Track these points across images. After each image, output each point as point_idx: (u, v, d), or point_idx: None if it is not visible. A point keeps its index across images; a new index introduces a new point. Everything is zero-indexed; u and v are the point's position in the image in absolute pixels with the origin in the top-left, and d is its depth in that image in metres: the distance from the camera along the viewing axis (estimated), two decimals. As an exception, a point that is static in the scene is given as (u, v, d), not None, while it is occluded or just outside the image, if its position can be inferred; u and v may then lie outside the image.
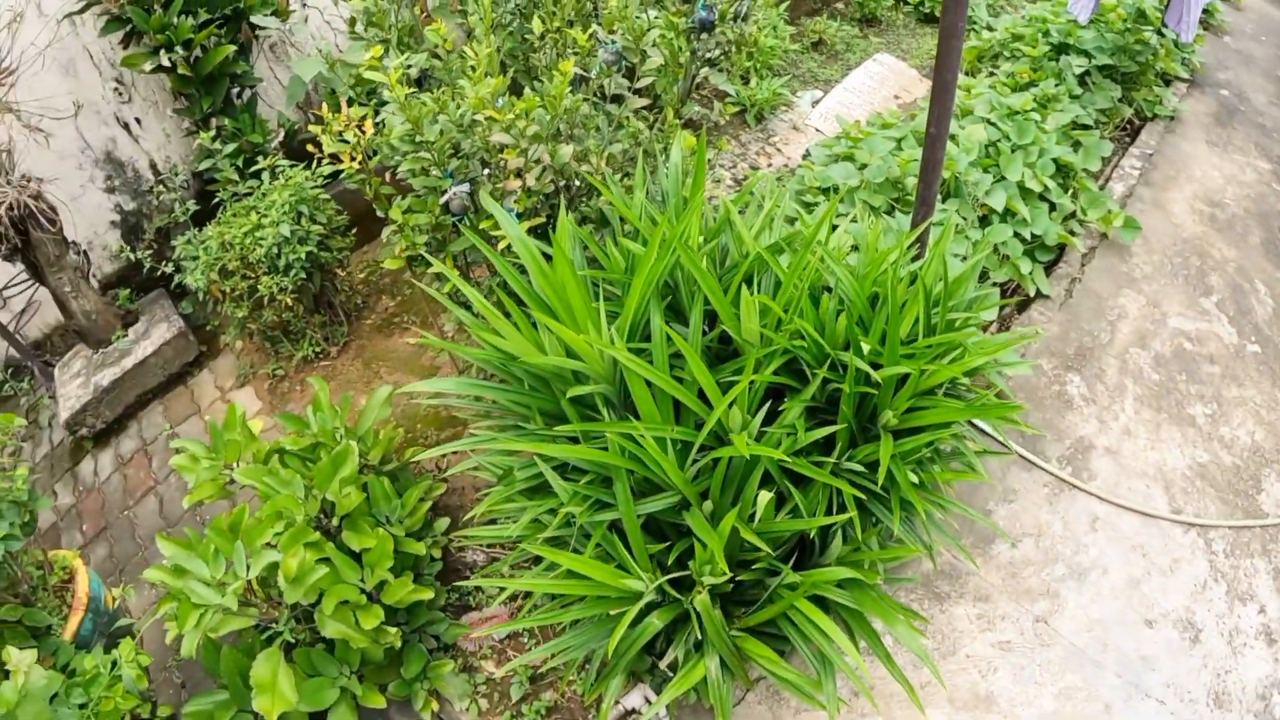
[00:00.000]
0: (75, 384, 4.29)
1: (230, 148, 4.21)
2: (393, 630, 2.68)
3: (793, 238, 2.58)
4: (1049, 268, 4.21)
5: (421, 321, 4.34)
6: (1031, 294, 3.94)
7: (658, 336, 2.30)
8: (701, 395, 2.26)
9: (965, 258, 3.54)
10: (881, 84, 5.80)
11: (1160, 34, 6.07)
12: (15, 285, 4.48)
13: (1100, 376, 3.80)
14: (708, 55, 3.19)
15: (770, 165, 5.11)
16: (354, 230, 4.21)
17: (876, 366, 2.29)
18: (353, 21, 3.39)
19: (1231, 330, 4.34)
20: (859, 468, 2.32)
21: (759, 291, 2.52)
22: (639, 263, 2.29)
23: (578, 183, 2.89)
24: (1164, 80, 6.45)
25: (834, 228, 2.89)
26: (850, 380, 2.25)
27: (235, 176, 4.15)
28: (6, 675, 2.37)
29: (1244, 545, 3.33)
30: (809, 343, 2.32)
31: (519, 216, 2.69)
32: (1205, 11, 8.60)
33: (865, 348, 2.26)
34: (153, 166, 4.79)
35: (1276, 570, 3.29)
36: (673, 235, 2.29)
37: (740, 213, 2.81)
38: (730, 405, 2.17)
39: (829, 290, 2.49)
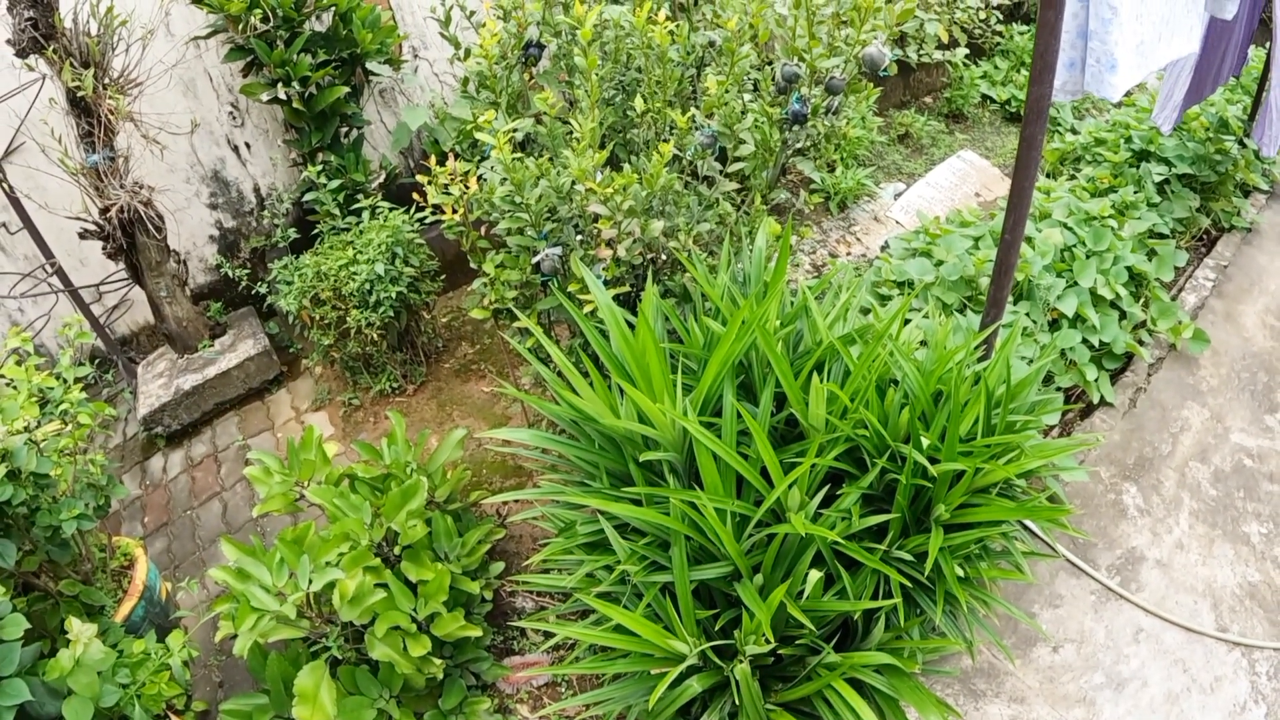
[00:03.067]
0: (157, 384, 4.53)
1: (334, 183, 4.45)
2: (438, 661, 2.78)
3: (864, 330, 2.68)
4: (1115, 375, 4.22)
5: (498, 372, 4.51)
6: (1095, 401, 3.96)
7: (728, 413, 2.41)
8: (764, 473, 2.37)
9: (1032, 361, 3.60)
10: (963, 180, 5.90)
11: (1242, 144, 6.08)
12: (113, 282, 4.77)
13: (1157, 488, 3.80)
14: (798, 146, 3.33)
15: (849, 254, 5.22)
16: (443, 276, 4.41)
17: (934, 461, 2.37)
18: (465, 81, 3.60)
19: None
20: (908, 557, 2.39)
21: (829, 379, 2.63)
22: (718, 341, 2.42)
23: (664, 257, 3.03)
24: (1243, 191, 6.43)
25: (907, 321, 2.99)
26: (908, 473, 2.34)
27: (335, 211, 4.39)
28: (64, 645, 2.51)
29: None
30: (871, 433, 2.41)
31: (605, 284, 2.84)
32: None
33: (925, 442, 2.35)
34: (256, 190, 5.08)
35: None
36: (752, 318, 2.42)
37: (817, 299, 2.92)
38: (791, 485, 2.26)
39: (895, 383, 2.58)
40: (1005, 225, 2.61)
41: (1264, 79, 5.25)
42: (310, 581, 2.61)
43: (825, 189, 5.45)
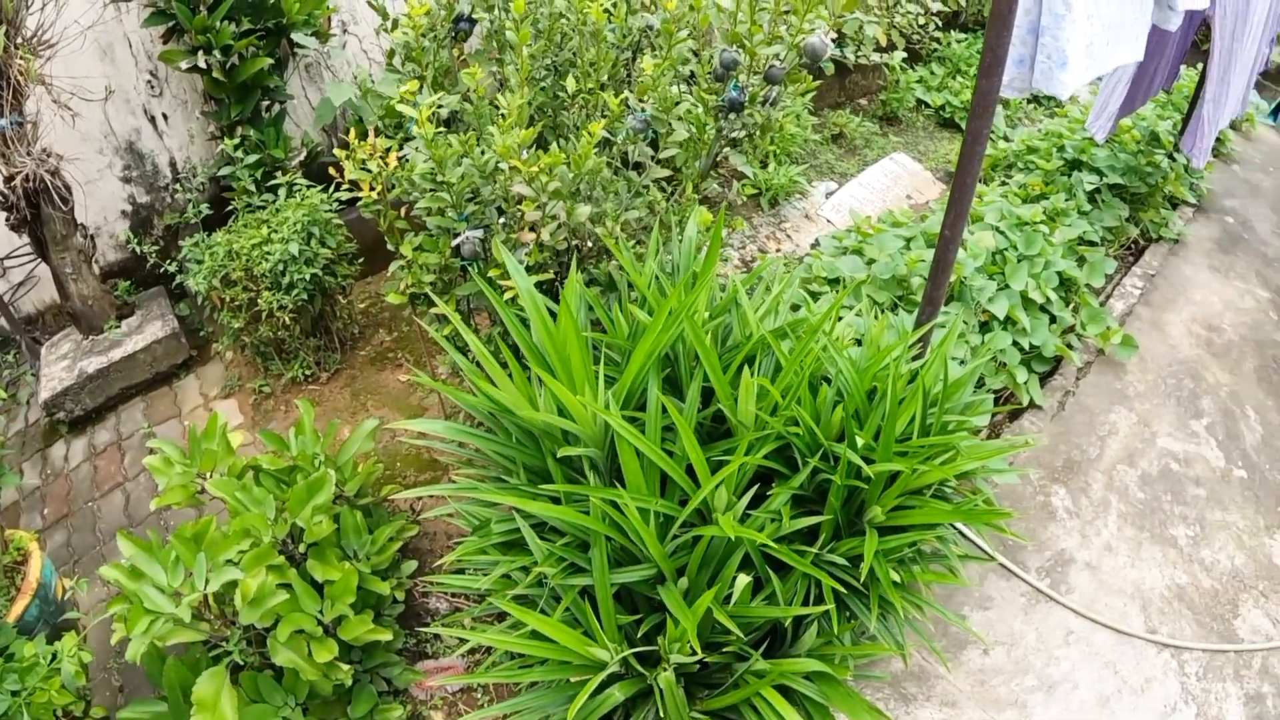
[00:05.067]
0: (60, 366, 4.25)
1: (252, 159, 4.22)
2: (345, 667, 2.62)
3: (796, 325, 2.58)
4: (1044, 379, 4.24)
5: (415, 360, 4.33)
6: (1025, 403, 3.95)
7: (653, 407, 2.29)
8: (690, 471, 2.25)
9: (964, 362, 3.56)
10: (896, 182, 5.90)
11: (1171, 158, 6.21)
12: (17, 256, 4.46)
13: (1086, 491, 3.80)
14: (733, 135, 3.23)
15: (779, 250, 5.16)
16: (361, 260, 4.21)
17: (869, 461, 2.28)
18: (391, 54, 3.43)
19: (1219, 454, 4.35)
20: (841, 560, 2.30)
21: (760, 372, 2.52)
22: (644, 331, 2.29)
23: (590, 244, 2.89)
24: (1171, 204, 6.59)
25: (839, 318, 2.91)
26: (841, 473, 2.24)
27: (252, 188, 4.17)
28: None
29: (1217, 669, 3.31)
30: (804, 430, 2.31)
31: (528, 269, 2.70)
32: (1217, 140, 8.80)
33: (860, 441, 2.26)
34: (172, 164, 4.80)
35: (1248, 696, 3.26)
36: (680, 308, 2.30)
37: (748, 292, 2.82)
38: (719, 485, 2.15)
39: (828, 380, 2.49)
40: (945, 220, 2.54)
41: (1198, 92, 5.35)
42: (207, 581, 2.43)
43: (757, 184, 5.38)
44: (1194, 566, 3.69)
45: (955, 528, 3.44)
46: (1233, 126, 10.28)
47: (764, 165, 5.42)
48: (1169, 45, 5.04)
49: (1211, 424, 4.53)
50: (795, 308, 3.41)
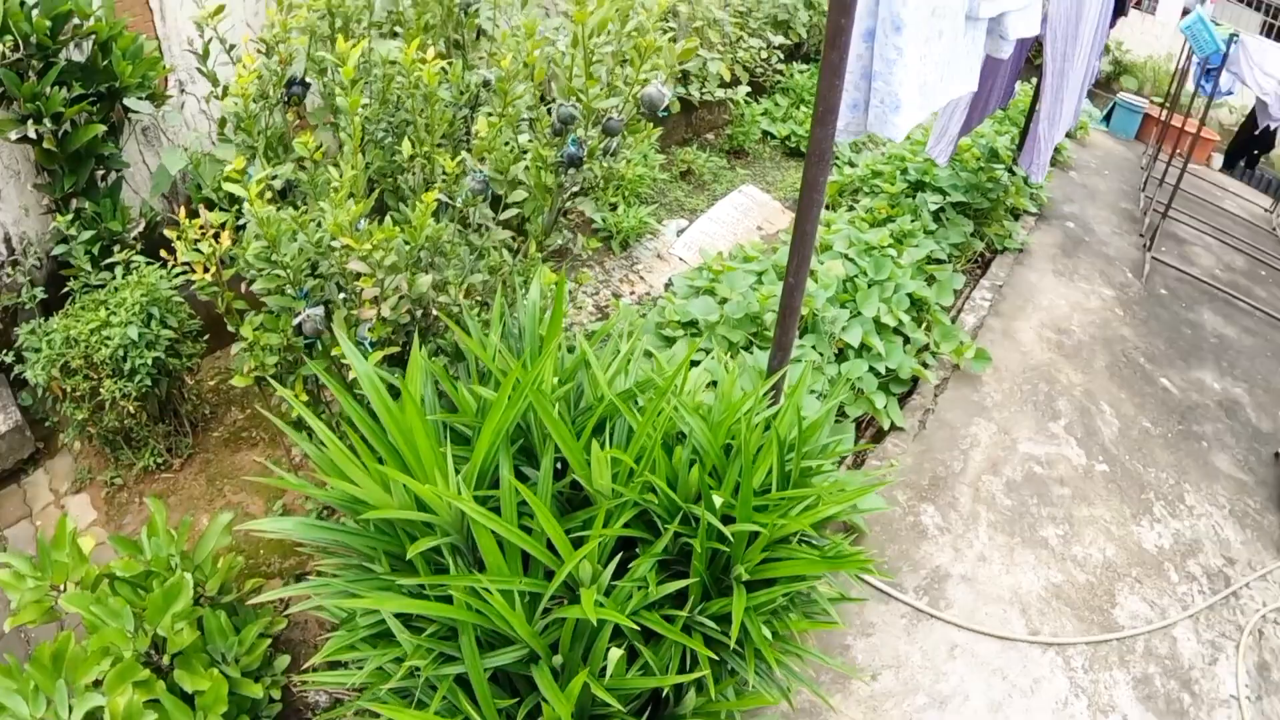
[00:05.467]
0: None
1: (87, 234, 3.98)
2: (224, 781, 2.48)
3: (646, 384, 2.58)
4: (903, 399, 4.36)
5: (271, 439, 4.14)
6: (886, 427, 4.05)
7: (506, 486, 2.25)
8: (552, 545, 2.21)
9: (822, 394, 3.64)
10: (746, 215, 6.00)
11: (1011, 171, 6.54)
12: None
13: (954, 505, 3.93)
14: (574, 189, 3.23)
15: (634, 293, 5.18)
16: (206, 335, 4.02)
17: (730, 519, 2.29)
18: (222, 122, 3.31)
19: (1080, 452, 4.58)
20: (711, 623, 2.30)
21: (614, 436, 2.51)
22: (490, 409, 2.25)
23: (436, 312, 2.84)
24: (1014, 215, 6.94)
25: (695, 363, 2.92)
26: (701, 537, 2.25)
27: (89, 266, 3.93)
28: None
29: (1102, 659, 3.47)
30: (661, 496, 2.31)
31: (374, 345, 2.63)
32: (1055, 149, 9.33)
33: (718, 501, 2.26)
34: (6, 241, 4.48)
35: (1135, 680, 3.42)
36: (526, 381, 2.27)
37: (601, 346, 2.81)
38: (581, 559, 2.12)
39: (684, 437, 2.49)
40: (789, 268, 2.59)
41: (1033, 110, 5.64)
42: (71, 709, 2.27)
43: (608, 228, 5.40)
44: (1067, 564, 3.85)
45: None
46: (1069, 135, 10.96)
47: (614, 208, 5.44)
48: (1004, 66, 5.30)
49: (1069, 424, 4.77)
50: (650, 354, 3.43)
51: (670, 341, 3.81)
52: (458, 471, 2.26)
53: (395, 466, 2.28)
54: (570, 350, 2.81)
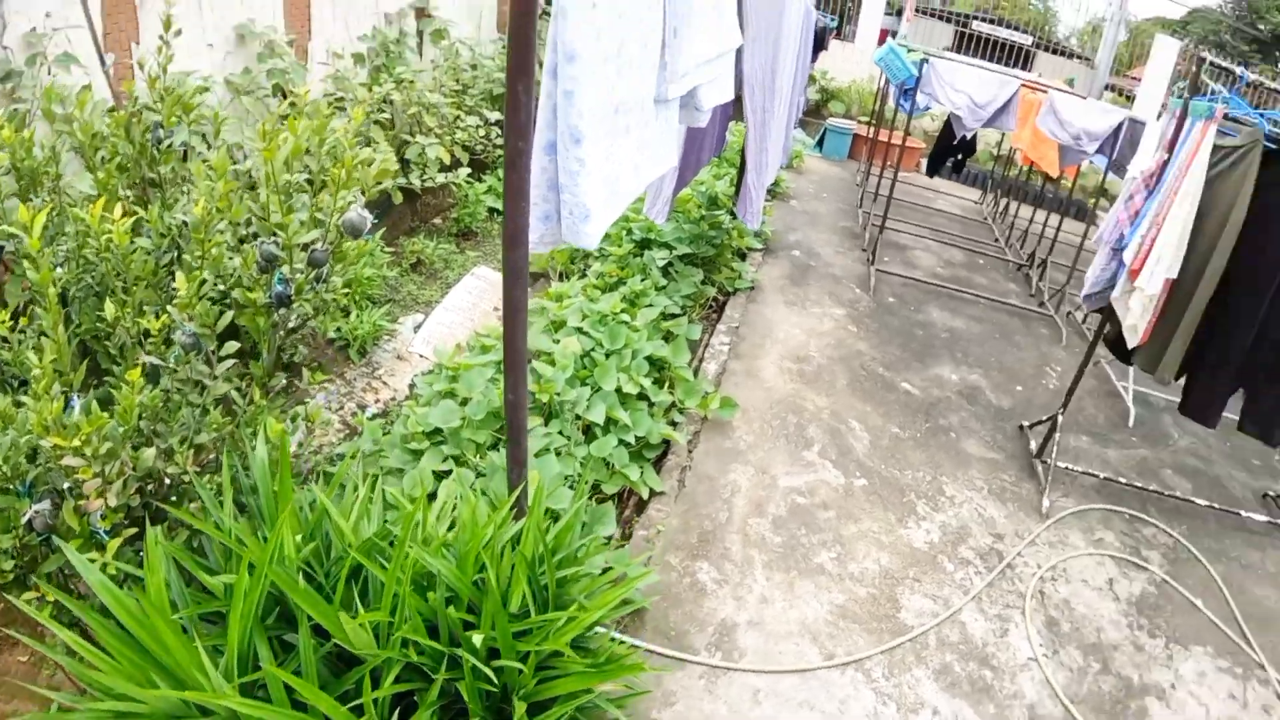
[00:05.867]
0: None
1: None
2: None
3: (385, 534, 2.53)
4: (659, 461, 4.45)
5: (32, 632, 3.67)
6: (646, 496, 4.13)
7: (268, 668, 2.12)
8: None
9: (574, 483, 3.67)
10: (481, 298, 5.99)
11: (733, 214, 6.95)
12: None
13: (727, 556, 4.04)
14: (290, 326, 3.13)
15: (379, 400, 5.06)
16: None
17: (494, 654, 2.27)
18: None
19: (837, 473, 4.85)
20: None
21: (369, 584, 2.44)
22: (233, 594, 2.13)
23: (169, 482, 2.67)
24: (741, 255, 7.34)
25: (446, 474, 2.83)
26: (468, 679, 2.21)
27: None
28: None
29: (900, 662, 3.64)
30: (423, 645, 2.26)
31: (109, 533, 2.44)
32: (774, 182, 10.02)
33: (478, 639, 2.24)
34: None
35: (935, 672, 3.62)
36: (262, 559, 2.16)
37: (342, 488, 2.72)
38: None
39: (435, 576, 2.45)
40: (507, 384, 2.60)
41: (742, 163, 5.98)
42: None
43: (344, 337, 5.26)
44: (847, 583, 4.03)
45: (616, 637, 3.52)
46: (787, 165, 11.78)
47: (347, 314, 5.31)
48: (711, 123, 5.56)
49: (823, 448, 5.05)
50: (400, 472, 3.35)
51: (417, 455, 3.72)
52: (217, 665, 2.11)
53: (153, 670, 2.10)
54: (311, 505, 2.70)
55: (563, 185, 2.38)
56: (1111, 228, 4.74)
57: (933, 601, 4.04)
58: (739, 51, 4.31)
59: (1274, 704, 4.13)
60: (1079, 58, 21.32)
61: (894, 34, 19.89)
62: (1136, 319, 4.45)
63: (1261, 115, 4.23)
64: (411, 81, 7.25)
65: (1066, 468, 5.43)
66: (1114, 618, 4.29)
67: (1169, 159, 4.34)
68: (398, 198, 6.36)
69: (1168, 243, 4.19)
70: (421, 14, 8.93)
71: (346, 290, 3.45)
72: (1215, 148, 4.14)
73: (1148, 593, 4.59)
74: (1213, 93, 4.14)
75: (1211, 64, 4.24)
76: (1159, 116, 5.78)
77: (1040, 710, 3.61)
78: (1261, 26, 24.68)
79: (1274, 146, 4.13)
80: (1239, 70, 4.44)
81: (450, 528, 2.75)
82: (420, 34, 8.94)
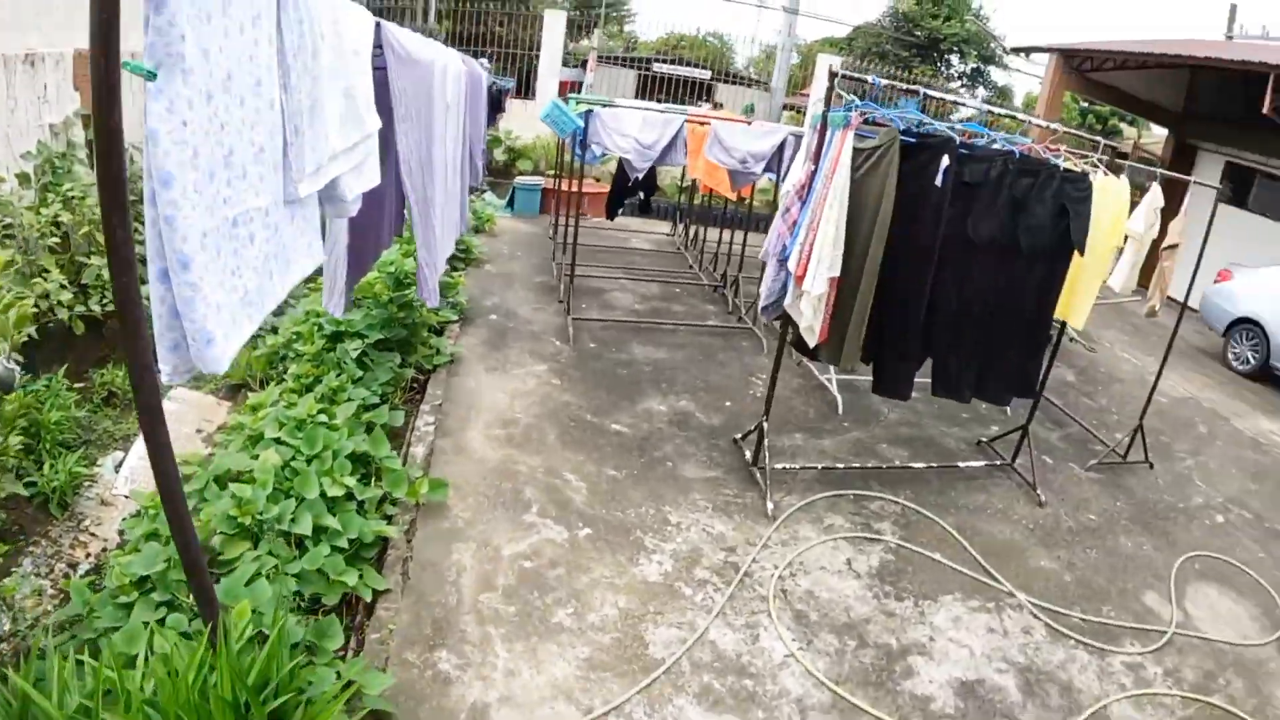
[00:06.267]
0: None
1: None
2: None
3: (84, 710, 2.24)
4: (380, 558, 4.30)
5: None
6: (370, 599, 3.95)
7: None
8: None
9: (288, 602, 3.45)
10: (181, 422, 5.54)
11: (422, 293, 6.87)
12: None
13: (465, 639, 3.92)
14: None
15: (90, 555, 4.51)
16: None
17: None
18: None
19: (560, 529, 4.85)
20: None
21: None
22: None
23: None
24: (438, 331, 7.27)
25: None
26: None
27: None
28: None
29: (660, 697, 3.70)
30: None
31: None
32: (463, 251, 10.02)
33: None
34: None
35: (697, 695, 3.73)
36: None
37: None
38: None
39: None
40: (171, 529, 2.41)
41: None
42: None
43: (42, 491, 4.64)
44: (589, 634, 4.04)
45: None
46: (478, 230, 11.82)
47: (40, 465, 4.69)
48: (384, 203, 5.41)
49: (541, 507, 5.06)
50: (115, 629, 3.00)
51: (129, 608, 3.32)
52: None
53: None
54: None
55: (182, 313, 2.26)
56: (775, 240, 5.23)
57: (679, 629, 4.16)
58: (392, 133, 4.28)
59: (1032, 623, 4.67)
60: (758, 84, 23.22)
61: (578, 85, 20.81)
62: (811, 320, 4.92)
63: (898, 116, 4.84)
64: (83, 197, 6.60)
65: (784, 467, 5.83)
66: (859, 594, 4.66)
67: (816, 169, 4.86)
68: (79, 328, 5.70)
69: (824, 245, 4.68)
70: (89, 121, 8.14)
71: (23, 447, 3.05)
72: (857, 151, 4.70)
73: (887, 561, 5.03)
74: (848, 104, 4.68)
75: (844, 76, 4.78)
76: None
77: (809, 700, 3.83)
78: (918, 33, 28.07)
79: (911, 140, 4.74)
80: (870, 78, 5.05)
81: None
82: (90, 143, 8.14)
